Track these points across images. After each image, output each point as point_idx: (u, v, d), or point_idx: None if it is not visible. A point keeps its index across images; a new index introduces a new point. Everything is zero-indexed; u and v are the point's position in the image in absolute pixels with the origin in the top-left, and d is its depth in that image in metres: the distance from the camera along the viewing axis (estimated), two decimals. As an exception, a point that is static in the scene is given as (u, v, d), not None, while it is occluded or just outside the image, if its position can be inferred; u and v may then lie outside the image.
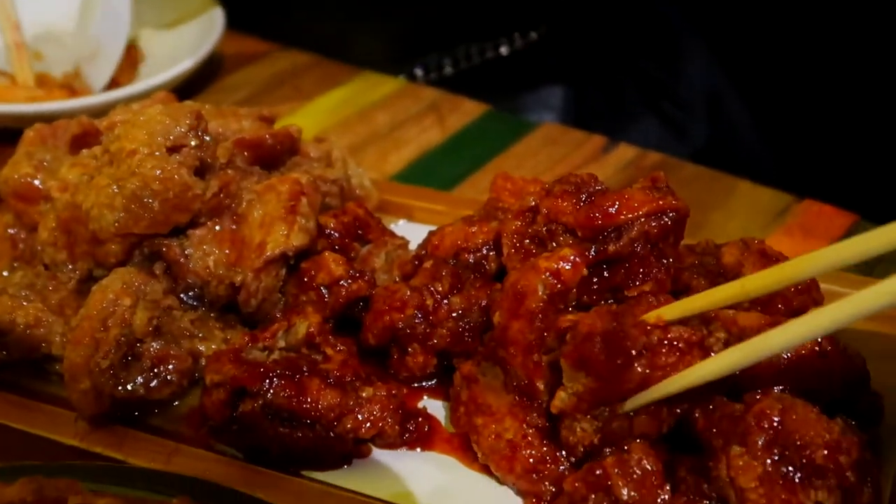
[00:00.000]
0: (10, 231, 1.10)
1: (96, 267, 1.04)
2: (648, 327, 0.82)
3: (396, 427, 0.92)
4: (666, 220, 0.91)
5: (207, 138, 1.02)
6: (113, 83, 1.65)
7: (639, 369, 0.81)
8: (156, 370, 0.95)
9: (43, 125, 1.18)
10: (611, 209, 0.91)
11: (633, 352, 0.81)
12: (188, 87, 1.61)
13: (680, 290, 0.95)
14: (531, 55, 2.00)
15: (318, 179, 1.11)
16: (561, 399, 0.84)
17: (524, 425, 0.88)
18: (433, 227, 1.09)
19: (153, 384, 0.95)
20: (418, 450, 0.94)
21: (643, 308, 0.85)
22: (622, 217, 0.91)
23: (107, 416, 0.93)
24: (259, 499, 0.80)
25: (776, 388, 0.82)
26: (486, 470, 0.91)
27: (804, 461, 0.76)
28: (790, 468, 0.76)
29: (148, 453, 0.91)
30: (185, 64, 1.58)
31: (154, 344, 0.96)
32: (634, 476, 0.80)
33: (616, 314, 0.83)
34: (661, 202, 0.92)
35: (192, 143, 0.99)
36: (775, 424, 0.77)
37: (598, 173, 0.99)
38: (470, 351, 0.97)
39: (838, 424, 0.78)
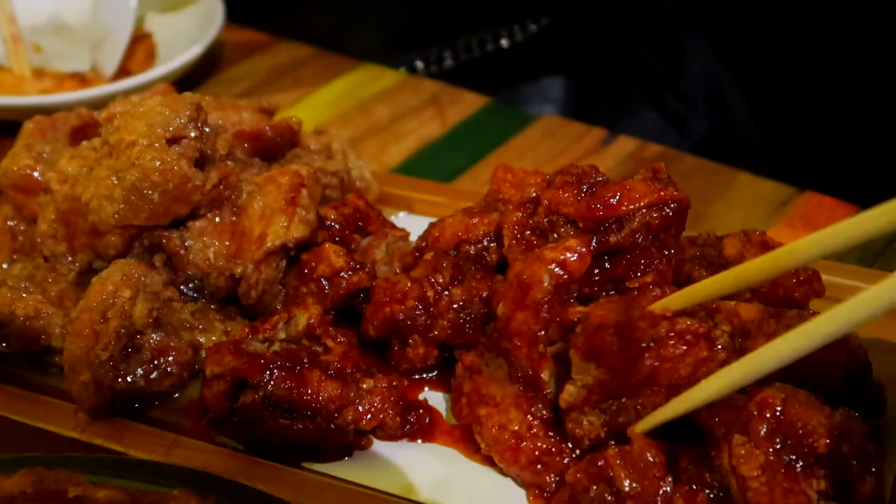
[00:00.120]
0: (10, 223, 1.10)
1: (96, 259, 1.04)
2: (656, 319, 0.81)
3: (397, 419, 0.92)
4: (667, 211, 0.91)
5: (207, 130, 1.02)
6: (124, 72, 1.65)
7: (648, 361, 0.81)
8: (156, 362, 0.95)
9: (42, 117, 1.18)
10: (612, 200, 0.91)
11: (643, 344, 0.81)
12: (188, 80, 1.61)
13: (682, 282, 0.95)
14: (531, 47, 2.00)
15: (318, 171, 1.10)
16: (570, 393, 0.84)
17: (529, 416, 0.88)
18: (434, 219, 1.09)
19: (153, 376, 0.95)
20: (419, 441, 0.94)
21: (648, 300, 0.85)
22: (623, 208, 0.91)
23: (107, 408, 0.93)
24: (260, 490, 0.80)
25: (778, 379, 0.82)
26: (486, 461, 0.91)
27: (806, 450, 0.76)
28: (792, 457, 0.76)
29: (148, 445, 0.91)
30: (193, 51, 1.58)
31: (154, 336, 0.96)
32: (636, 468, 0.80)
33: (626, 305, 0.83)
34: (662, 193, 0.91)
35: (192, 135, 0.99)
36: (777, 413, 0.77)
37: (599, 165, 0.98)
38: (471, 342, 0.97)
39: (840, 414, 0.78)
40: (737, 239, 0.99)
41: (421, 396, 0.99)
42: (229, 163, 1.05)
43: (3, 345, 0.99)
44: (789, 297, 0.94)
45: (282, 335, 0.96)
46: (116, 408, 0.94)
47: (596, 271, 0.91)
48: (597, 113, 1.84)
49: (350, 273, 1.02)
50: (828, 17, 1.78)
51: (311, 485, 0.87)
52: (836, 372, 0.85)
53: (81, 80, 1.62)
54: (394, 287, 0.99)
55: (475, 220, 1.04)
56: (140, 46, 1.70)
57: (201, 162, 1.01)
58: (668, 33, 1.98)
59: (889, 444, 0.87)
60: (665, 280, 0.91)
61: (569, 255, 0.88)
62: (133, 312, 0.94)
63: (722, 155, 1.47)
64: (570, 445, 0.87)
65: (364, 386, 0.92)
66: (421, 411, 0.95)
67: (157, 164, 0.97)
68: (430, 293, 0.98)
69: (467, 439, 0.93)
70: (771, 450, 0.76)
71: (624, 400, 0.84)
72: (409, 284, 0.98)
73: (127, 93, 1.30)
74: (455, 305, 0.97)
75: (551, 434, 0.87)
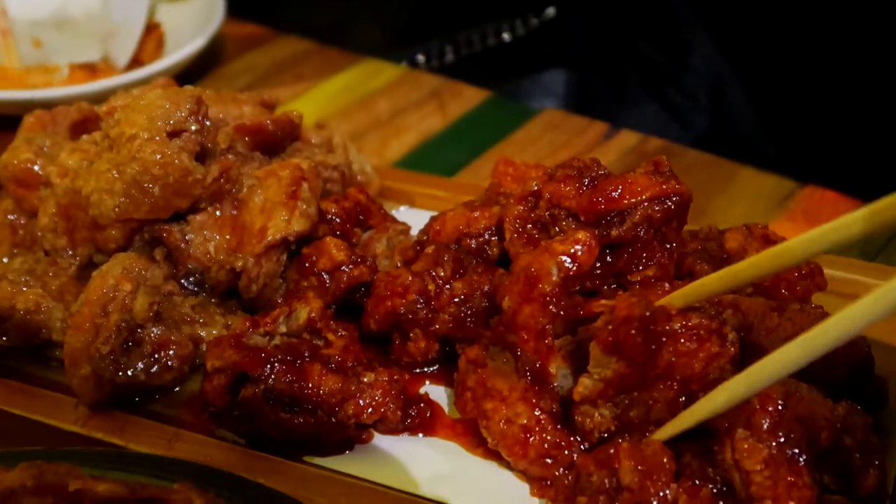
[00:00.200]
0: (10, 217, 1.09)
1: (96, 252, 1.03)
2: (670, 314, 0.81)
3: (398, 413, 0.91)
4: (669, 204, 0.91)
5: (208, 123, 1.02)
6: (136, 62, 1.65)
7: (666, 356, 0.81)
8: (156, 356, 0.95)
9: (43, 111, 1.18)
10: (614, 193, 0.91)
11: (664, 338, 0.81)
12: (189, 74, 1.61)
13: (683, 276, 0.95)
14: (533, 41, 2.00)
15: (319, 165, 1.10)
16: (585, 385, 0.84)
17: (537, 410, 0.87)
18: (435, 213, 1.09)
19: (154, 370, 0.95)
20: (420, 435, 0.93)
21: (656, 295, 0.85)
22: (625, 201, 0.91)
23: (107, 402, 0.93)
24: (260, 484, 0.80)
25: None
26: (488, 455, 0.90)
27: (809, 444, 0.76)
28: (795, 450, 0.76)
29: (149, 439, 0.91)
30: (199, 41, 1.58)
31: (155, 329, 0.96)
32: (645, 466, 0.79)
33: (644, 300, 0.83)
34: (664, 186, 0.91)
35: (193, 128, 0.99)
36: (780, 407, 0.77)
37: (600, 159, 0.98)
38: (472, 336, 0.96)
39: (843, 408, 0.78)
40: (739, 233, 0.99)
41: (422, 390, 0.99)
42: (230, 156, 1.05)
43: (4, 339, 0.99)
44: (792, 292, 0.93)
45: (283, 329, 0.95)
46: (117, 402, 0.94)
47: (598, 265, 0.91)
48: (598, 107, 1.84)
49: (351, 267, 1.02)
50: (830, 11, 1.78)
51: (312, 478, 0.87)
52: (838, 366, 0.85)
53: (91, 70, 1.62)
54: (395, 281, 0.99)
55: (476, 214, 1.04)
56: (150, 37, 1.70)
57: (202, 155, 1.01)
58: (671, 27, 1.98)
59: (892, 437, 0.87)
60: (666, 274, 0.91)
61: (578, 247, 0.88)
62: (134, 306, 0.94)
63: (724, 149, 1.47)
64: (579, 439, 0.86)
65: (365, 380, 0.91)
66: (422, 405, 0.95)
67: (158, 157, 0.96)
68: (431, 287, 0.98)
69: (468, 433, 0.92)
70: (774, 444, 0.76)
71: (636, 394, 0.83)
72: (410, 278, 0.98)
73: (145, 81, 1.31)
74: (456, 299, 0.97)
75: (560, 427, 0.87)
